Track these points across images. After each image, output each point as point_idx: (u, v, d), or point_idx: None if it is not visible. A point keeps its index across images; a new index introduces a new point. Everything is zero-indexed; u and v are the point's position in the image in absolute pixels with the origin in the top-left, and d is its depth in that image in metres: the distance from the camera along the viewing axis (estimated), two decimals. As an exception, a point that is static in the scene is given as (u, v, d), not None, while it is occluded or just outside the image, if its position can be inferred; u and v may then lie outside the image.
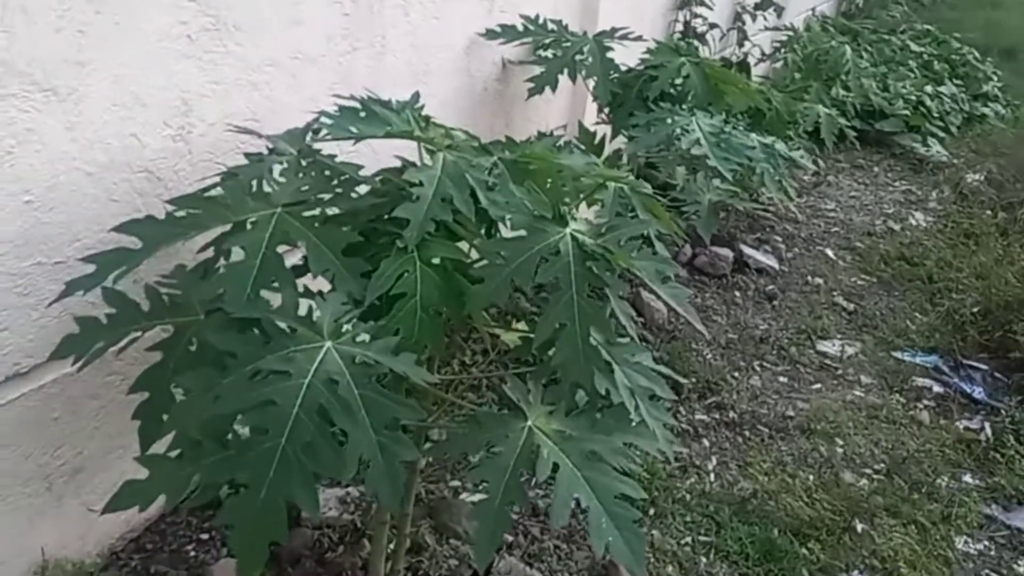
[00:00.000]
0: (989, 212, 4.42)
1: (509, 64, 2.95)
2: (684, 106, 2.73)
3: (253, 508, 1.18)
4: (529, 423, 1.45)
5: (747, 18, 4.97)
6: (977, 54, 7.24)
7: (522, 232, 1.48)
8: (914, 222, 4.50)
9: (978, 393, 3.03)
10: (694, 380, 2.94)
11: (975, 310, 3.40)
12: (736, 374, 3.04)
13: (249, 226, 1.40)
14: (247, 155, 1.71)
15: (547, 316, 1.43)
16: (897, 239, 4.19)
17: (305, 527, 2.08)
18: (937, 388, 3.07)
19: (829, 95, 5.18)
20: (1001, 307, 3.29)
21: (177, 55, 1.82)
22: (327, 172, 1.64)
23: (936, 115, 5.93)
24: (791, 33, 5.43)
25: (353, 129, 1.48)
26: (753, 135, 2.78)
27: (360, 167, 1.67)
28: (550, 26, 2.82)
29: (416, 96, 2.02)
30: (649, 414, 1.58)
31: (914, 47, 7.15)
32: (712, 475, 2.51)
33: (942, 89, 6.38)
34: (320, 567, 1.98)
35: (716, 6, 4.65)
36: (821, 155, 4.99)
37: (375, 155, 2.37)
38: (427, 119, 1.92)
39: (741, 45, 4.99)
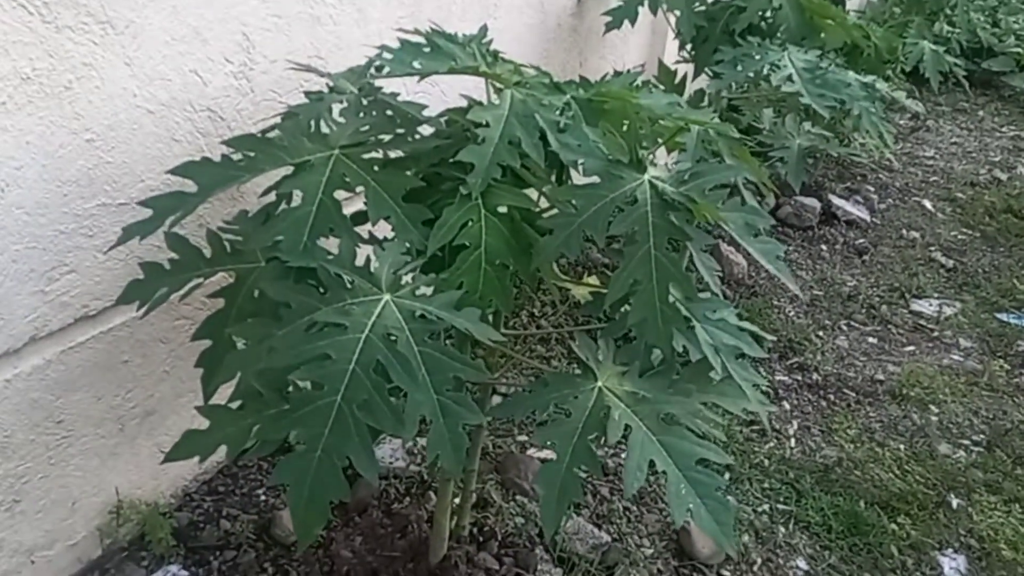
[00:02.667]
0: (1110, 161, 4.04)
1: (586, -1, 2.77)
2: (775, 41, 2.52)
3: (308, 468, 1.11)
4: (600, 384, 1.35)
5: (845, -52, 4.60)
6: (1101, -14, 6.61)
7: (595, 178, 1.36)
8: (1022, 171, 4.15)
9: (1092, 360, 2.78)
10: (775, 339, 2.78)
11: (1092, 269, 3.13)
12: (821, 333, 2.86)
13: (306, 169, 1.32)
14: (307, 94, 1.63)
15: (622, 271, 1.31)
16: (1004, 190, 3.87)
17: (371, 477, 2.05)
18: (1046, 354, 2.83)
19: (931, 31, 4.80)
20: (1123, 266, 3.00)
21: (237, -14, 1.73)
22: (389, 112, 1.55)
23: (1052, 54, 5.45)
24: (893, -36, 5.02)
25: (416, 64, 1.37)
26: (851, 73, 2.55)
27: (424, 106, 1.57)
28: (630, -45, 2.63)
29: (484, 29, 1.88)
30: (736, 373, 1.46)
31: (1030, -21, 6.57)
32: (793, 440, 2.37)
33: (1060, 25, 5.85)
34: (387, 517, 1.95)
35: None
36: (920, 97, 4.65)
37: (443, 95, 2.27)
38: (495, 54, 1.79)
39: (837, -23, 4.63)
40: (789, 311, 2.97)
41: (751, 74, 2.32)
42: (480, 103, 1.48)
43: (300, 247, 1.25)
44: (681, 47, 2.66)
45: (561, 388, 1.35)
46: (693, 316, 1.50)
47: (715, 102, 2.69)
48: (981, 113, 4.88)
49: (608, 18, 2.53)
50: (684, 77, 2.82)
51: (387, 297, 1.19)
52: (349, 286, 1.19)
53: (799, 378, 2.64)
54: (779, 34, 2.50)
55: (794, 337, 2.80)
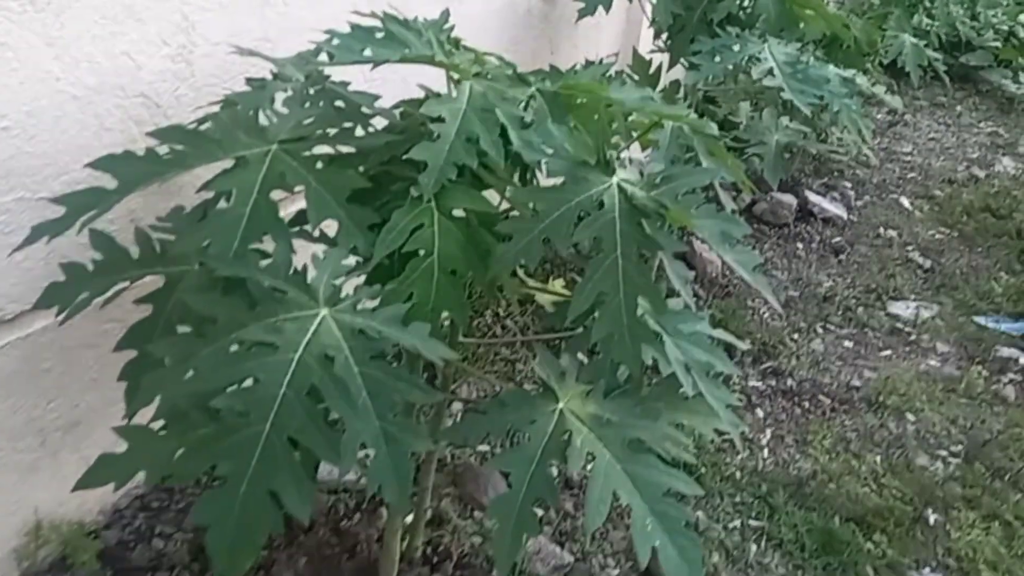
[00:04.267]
0: (1087, 160, 4.01)
1: (559, -17, 2.65)
2: (754, 31, 2.41)
3: (231, 505, 0.99)
4: (561, 405, 1.24)
5: (826, -62, 4.50)
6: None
7: (559, 180, 1.24)
8: (1001, 168, 4.11)
9: (1070, 366, 2.72)
10: (749, 342, 2.69)
11: (1070, 272, 3.07)
12: (796, 336, 2.78)
13: (240, 165, 1.19)
14: (249, 80, 1.49)
15: (586, 282, 1.20)
16: (982, 188, 3.82)
17: (320, 491, 1.93)
18: (1024, 359, 2.77)
19: (910, 23, 4.73)
20: (1101, 270, 2.95)
21: (176, -37, 1.59)
22: (338, 103, 1.42)
23: (1029, 49, 5.41)
24: (874, -46, 4.93)
25: (366, 52, 1.24)
26: (830, 67, 2.45)
27: (377, 97, 1.44)
28: (605, -62, 2.50)
29: (445, 15, 1.76)
30: (708, 392, 1.36)
31: (1008, -28, 6.53)
32: (766, 451, 2.28)
33: (1037, 20, 5.82)
34: (335, 536, 1.83)
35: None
36: (899, 91, 4.58)
37: (403, 83, 2.13)
38: (456, 42, 1.67)
39: (817, -32, 4.53)
40: (764, 312, 2.88)
41: (730, 66, 2.22)
42: (438, 95, 1.35)
43: (230, 253, 1.12)
44: (656, 36, 2.54)
45: (519, 410, 1.23)
46: (663, 329, 1.39)
47: (691, 95, 2.59)
48: (959, 108, 4.83)
49: (580, 5, 2.41)
50: (659, 67, 2.71)
51: (325, 312, 1.06)
52: (282, 299, 1.06)
53: (773, 384, 2.55)
54: (758, 24, 2.40)
55: (768, 340, 2.71)
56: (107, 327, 1.68)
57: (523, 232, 1.19)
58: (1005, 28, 5.29)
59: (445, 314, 1.22)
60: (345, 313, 1.07)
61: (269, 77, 1.46)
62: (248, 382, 1.01)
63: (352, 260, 1.20)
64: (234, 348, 1.02)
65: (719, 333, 1.74)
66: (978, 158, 4.20)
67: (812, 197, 3.48)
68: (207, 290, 1.11)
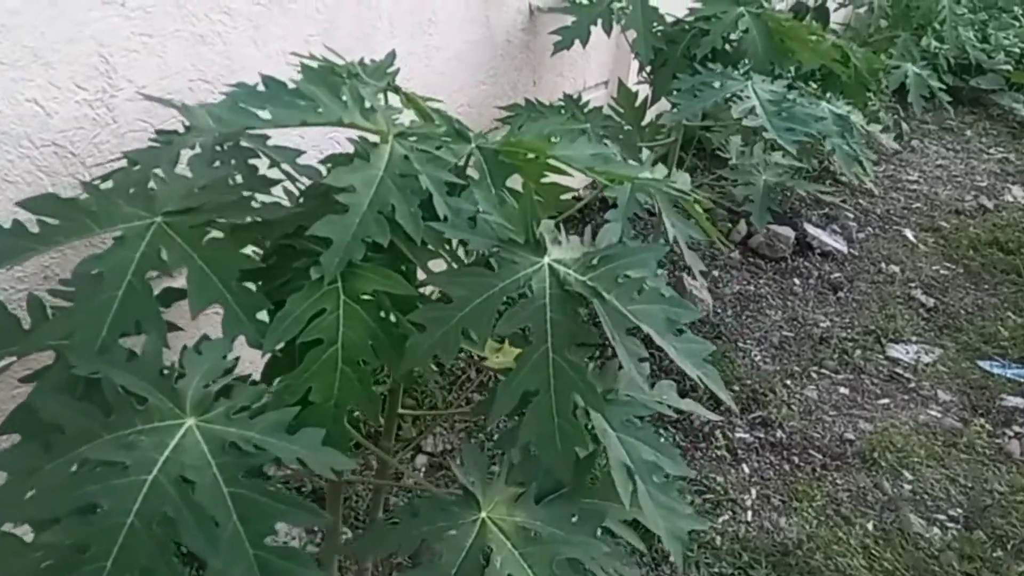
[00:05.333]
0: (1103, 190, 3.81)
1: (537, 12, 2.50)
2: (741, 67, 2.26)
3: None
4: (483, 514, 1.10)
5: (830, -44, 4.34)
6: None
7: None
8: (1011, 198, 3.92)
9: (1081, 420, 2.54)
10: (737, 388, 2.53)
11: (1082, 315, 2.89)
12: (789, 382, 2.61)
13: (118, 242, 1.05)
14: (157, 133, 1.36)
15: (511, 379, 1.05)
16: (990, 220, 3.63)
17: None
18: (1031, 410, 2.59)
19: (919, 46, 4.56)
20: (1116, 315, 2.77)
21: (91, 0, 1.46)
22: (252, 160, 1.28)
23: (1044, 70, 5.21)
24: (880, -26, 4.76)
25: (264, 114, 1.10)
26: (823, 103, 2.30)
27: (299, 153, 1.30)
28: (583, -34, 2.37)
29: (391, 57, 1.63)
30: (653, 499, 1.20)
31: (1022, -10, 6.33)
32: (750, 512, 2.12)
33: (1052, 40, 5.62)
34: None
35: (795, -58, 4.06)
36: (906, 115, 4.41)
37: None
38: (397, 89, 1.53)
39: (821, -13, 4.37)
40: (755, 355, 2.72)
41: (712, 104, 2.06)
42: (354, 157, 1.21)
43: (95, 346, 0.99)
44: (641, 69, 2.40)
45: (435, 519, 1.09)
46: (609, 424, 1.24)
47: (675, 131, 2.44)
48: (968, 133, 4.64)
49: (557, 37, 2.27)
50: (646, 99, 2.57)
51: (191, 422, 0.92)
52: (141, 406, 0.92)
53: (761, 435, 2.39)
54: (745, 59, 2.25)
55: (759, 387, 2.55)
56: (17, 393, 1.55)
57: (438, 322, 1.05)
58: (1017, 51, 5.09)
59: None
60: (215, 422, 0.93)
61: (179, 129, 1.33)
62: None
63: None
64: (78, 467, 0.88)
65: (688, 404, 1.60)
66: (987, 187, 4.01)
67: (811, 229, 3.31)
68: (65, 390, 0.97)
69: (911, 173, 4.06)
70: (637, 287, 1.13)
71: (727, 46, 2.29)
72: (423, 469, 2.15)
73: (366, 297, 1.08)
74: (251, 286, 1.11)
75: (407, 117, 1.46)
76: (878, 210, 3.67)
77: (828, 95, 2.89)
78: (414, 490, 1.82)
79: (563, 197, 1.51)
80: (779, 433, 2.40)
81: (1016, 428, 2.52)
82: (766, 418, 2.44)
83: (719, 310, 2.90)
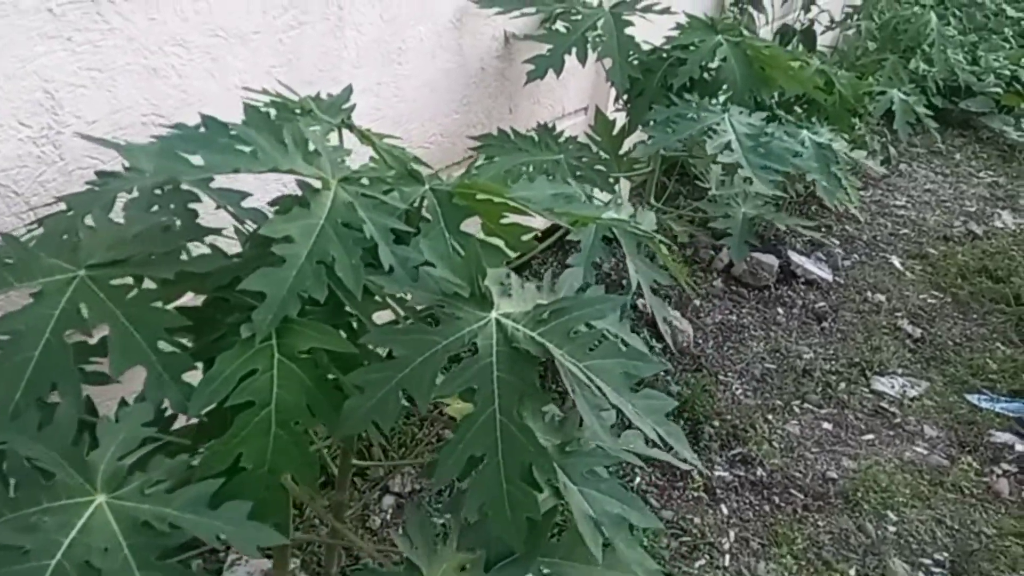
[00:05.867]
0: (1092, 216, 3.77)
1: (513, 39, 2.46)
2: (720, 96, 2.21)
3: None
4: (427, 588, 1.03)
5: (816, -21, 4.33)
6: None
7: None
8: (1000, 224, 3.88)
9: (1071, 457, 2.48)
10: (717, 424, 2.47)
11: (1071, 347, 2.84)
12: (770, 417, 2.55)
13: (37, 298, 0.99)
14: (98, 175, 1.30)
15: (456, 442, 0.99)
16: (979, 246, 3.59)
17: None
18: (1020, 447, 2.53)
19: (907, 69, 4.53)
20: (1105, 347, 2.71)
21: (35, 35, 1.40)
22: (192, 205, 1.23)
23: (1033, 92, 5.19)
24: (867, -2, 4.75)
25: (197, 160, 1.04)
26: (804, 132, 2.25)
27: (244, 195, 1.25)
28: (559, -6, 2.32)
29: (347, 92, 1.58)
30: (621, 552, 1.14)
31: (1011, 12, 6.32)
32: (728, 557, 2.06)
33: (1041, 62, 5.60)
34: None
35: (780, -35, 4.03)
36: (893, 139, 4.37)
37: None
38: (350, 126, 1.48)
39: (807, 10, 4.35)
40: (736, 388, 2.66)
41: (687, 137, 2.01)
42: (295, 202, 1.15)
43: (8, 412, 0.92)
44: (617, 98, 2.35)
45: (374, 593, 1.02)
46: (569, 477, 1.18)
47: (654, 159, 2.39)
48: (958, 156, 4.61)
49: (530, 66, 2.22)
50: (624, 127, 2.52)
51: (101, 499, 0.86)
52: (47, 482, 0.86)
53: (741, 474, 2.33)
54: (724, 89, 2.20)
55: (739, 423, 2.49)
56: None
57: (377, 384, 0.99)
58: (1007, 73, 5.07)
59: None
60: (128, 499, 0.86)
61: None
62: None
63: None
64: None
65: (657, 452, 1.54)
66: (976, 212, 3.97)
67: (795, 257, 3.26)
68: (-28, 462, 0.91)
69: (899, 198, 4.02)
70: (592, 340, 1.07)
71: (706, 75, 2.24)
72: (390, 511, 2.09)
73: (303, 355, 1.02)
74: (184, 341, 1.05)
75: (363, 156, 1.41)
76: (864, 237, 3.62)
77: (813, 120, 2.86)
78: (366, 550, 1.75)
79: (525, 237, 1.46)
80: (759, 471, 2.33)
81: (1004, 466, 2.46)
82: (746, 455, 2.38)
83: (700, 340, 2.84)
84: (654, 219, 1.66)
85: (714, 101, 2.16)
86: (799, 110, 3.00)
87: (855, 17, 4.79)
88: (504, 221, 1.37)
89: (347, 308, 1.10)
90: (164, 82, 1.64)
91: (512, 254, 1.26)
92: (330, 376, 1.04)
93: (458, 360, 1.01)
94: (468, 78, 2.39)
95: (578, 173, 2.17)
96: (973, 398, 2.73)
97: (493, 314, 1.04)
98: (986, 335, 3.05)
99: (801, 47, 4.48)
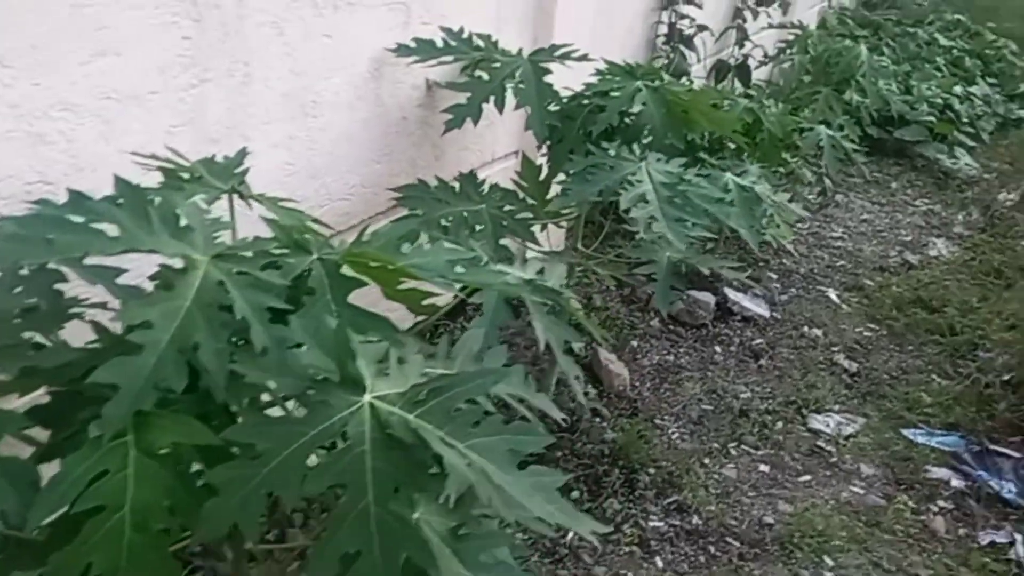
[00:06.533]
0: None
1: (435, 87, 2.43)
2: (642, 142, 2.20)
3: None
4: None
5: (748, 15, 4.39)
6: (1014, 47, 6.58)
7: (294, 405, 0.99)
8: (935, 252, 3.93)
9: (1008, 491, 2.48)
10: (653, 472, 2.42)
11: (1006, 378, 2.85)
12: (707, 461, 2.52)
13: None
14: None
15: (328, 539, 0.93)
16: (914, 276, 3.62)
17: None
18: (956, 482, 2.52)
19: (841, 101, 4.61)
20: (1037, 378, 2.74)
21: (-98, 105, 1.33)
22: (59, 285, 1.16)
23: (966, 120, 5.31)
24: (798, 31, 4.83)
25: (51, 238, 0.98)
26: (728, 176, 2.24)
27: (119, 272, 1.18)
28: (476, 41, 2.30)
29: (240, 155, 1.52)
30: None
31: (943, 41, 6.51)
32: (662, 613, 2.01)
33: (973, 89, 5.75)
34: None
35: (712, 2, 4.09)
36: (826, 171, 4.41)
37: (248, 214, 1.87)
38: (240, 193, 1.42)
39: (741, 46, 4.42)
40: (673, 432, 2.63)
41: (605, 187, 1.98)
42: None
43: None
44: (539, 145, 2.33)
45: None
46: (464, 564, 1.12)
47: (581, 206, 2.36)
48: (894, 185, 4.68)
49: (452, 114, 2.18)
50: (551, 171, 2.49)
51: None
52: None
53: (677, 523, 2.28)
54: (645, 134, 2.19)
55: (675, 468, 2.45)
56: None
57: (237, 483, 0.92)
58: (940, 101, 5.19)
59: None
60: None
61: None
62: None
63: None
64: None
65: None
66: (911, 241, 4.02)
67: (732, 294, 3.26)
68: None
69: (835, 229, 4.06)
70: (475, 418, 1.03)
71: (628, 119, 2.23)
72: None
73: (165, 450, 0.96)
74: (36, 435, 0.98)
75: (251, 223, 1.35)
76: (802, 270, 3.64)
77: (744, 158, 2.87)
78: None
79: (427, 301, 1.41)
80: (695, 519, 2.29)
81: (940, 503, 2.46)
82: (682, 503, 2.34)
83: (637, 383, 2.81)
84: (564, 272, 1.62)
85: (636, 146, 2.14)
86: (731, 147, 3.01)
87: (788, 51, 4.87)
88: (403, 286, 1.33)
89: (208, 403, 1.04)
90: (51, 148, 1.57)
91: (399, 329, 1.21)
92: (195, 472, 0.98)
93: (329, 450, 0.95)
94: (389, 127, 2.35)
95: (501, 223, 2.13)
96: (909, 433, 2.73)
97: (366, 398, 0.99)
98: (921, 367, 3.06)
99: (736, 82, 4.55)
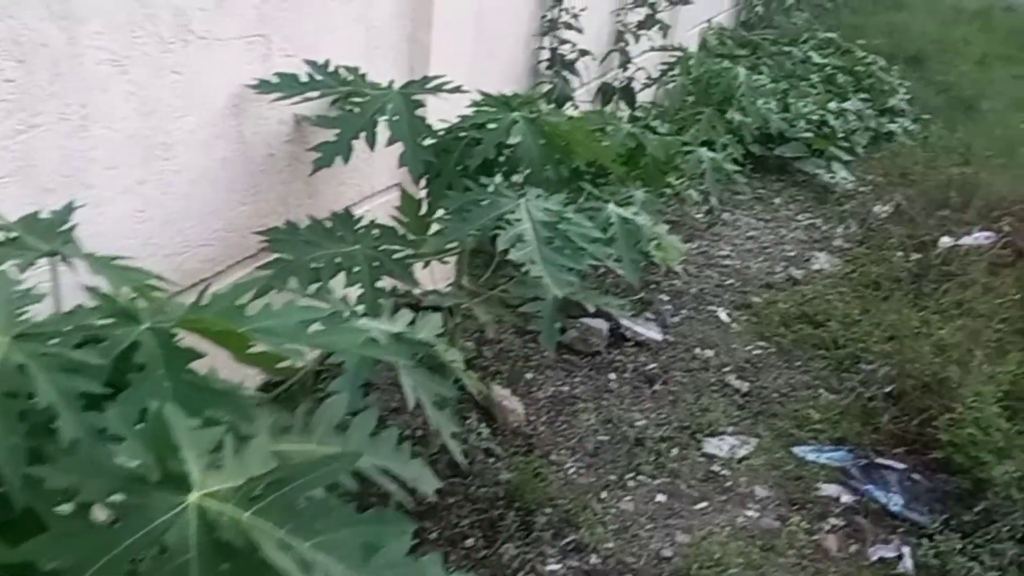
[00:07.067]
0: (900, 254, 3.98)
1: (305, 121, 2.31)
2: (520, 175, 2.14)
3: None
4: None
5: (629, 38, 4.44)
6: (883, 63, 6.92)
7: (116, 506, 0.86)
8: (817, 266, 4.03)
9: (895, 504, 2.53)
10: (550, 511, 2.36)
11: (888, 389, 2.93)
12: (604, 495, 2.47)
13: None
14: None
15: (146, 667, 0.81)
16: (799, 292, 3.70)
17: None
18: (846, 498, 2.56)
19: (724, 120, 4.72)
20: (918, 388, 2.81)
21: None
22: None
23: (841, 135, 5.52)
24: (679, 54, 4.93)
25: None
26: (610, 208, 2.21)
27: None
28: (343, 75, 2.19)
29: (67, 210, 1.37)
30: None
31: (817, 58, 6.78)
32: (560, 663, 1.93)
33: (847, 105, 5.99)
34: None
35: (594, 26, 4.11)
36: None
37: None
38: (60, 255, 1.28)
39: (624, 68, 4.46)
40: (569, 467, 2.57)
41: (483, 226, 1.91)
42: None
43: None
44: (416, 181, 2.23)
45: None
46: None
47: (463, 241, 2.28)
48: (777, 201, 4.81)
49: (322, 152, 2.07)
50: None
51: None
52: None
53: (575, 564, 2.22)
54: (523, 167, 2.13)
55: (572, 506, 2.39)
56: None
57: (31, 610, 0.79)
58: (816, 118, 5.38)
59: None
60: None
61: None
62: None
63: None
64: None
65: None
66: (795, 256, 4.13)
67: (624, 320, 3.25)
68: None
69: (723, 248, 4.13)
70: (322, 511, 0.92)
71: (506, 151, 2.16)
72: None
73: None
74: None
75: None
76: (692, 290, 3.67)
77: (627, 185, 2.86)
78: None
79: (283, 364, 1.30)
80: (593, 559, 2.24)
81: (832, 520, 2.48)
82: (579, 542, 2.28)
83: (532, 418, 2.75)
84: (438, 322, 1.54)
85: (516, 178, 2.08)
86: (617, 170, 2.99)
87: (670, 73, 4.96)
88: (254, 349, 1.21)
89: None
90: None
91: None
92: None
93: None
94: (254, 166, 2.22)
95: (375, 264, 2.03)
96: (800, 451, 2.76)
97: (192, 497, 0.87)
98: (809, 382, 3.12)
99: (622, 104, 4.59)
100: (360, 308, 1.62)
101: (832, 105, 5.74)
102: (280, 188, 2.34)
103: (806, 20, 8.09)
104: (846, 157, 5.34)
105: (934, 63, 7.59)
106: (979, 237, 3.93)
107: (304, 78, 2.13)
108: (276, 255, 1.99)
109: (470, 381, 1.52)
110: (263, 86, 2.08)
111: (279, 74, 2.11)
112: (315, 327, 1.15)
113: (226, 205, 2.15)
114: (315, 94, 2.14)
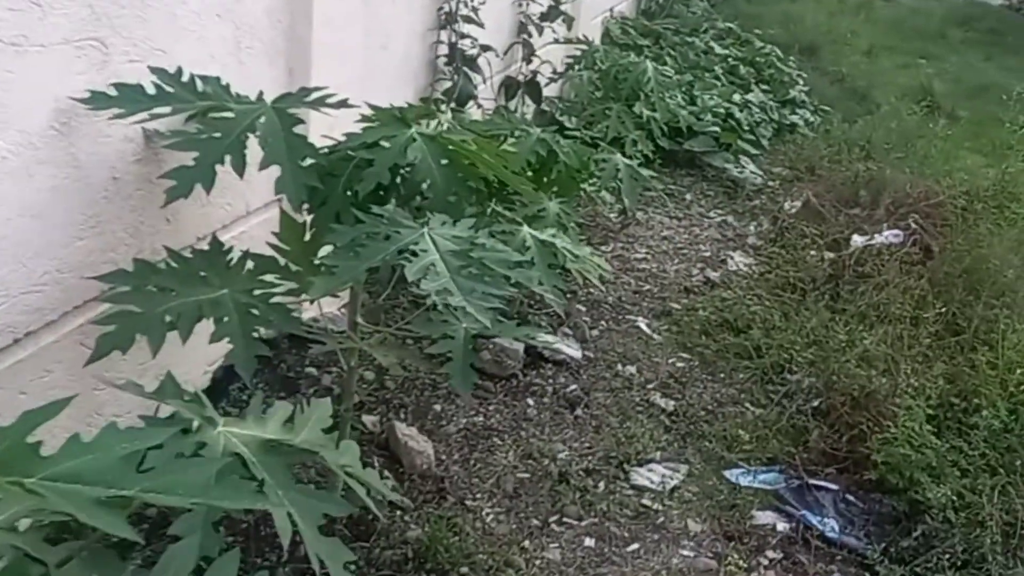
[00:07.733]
0: (813, 253, 3.88)
1: (157, 137, 1.95)
2: (422, 201, 1.85)
3: None
4: None
5: (533, 30, 4.19)
6: (780, 53, 6.91)
7: None
8: (733, 267, 3.90)
9: (830, 529, 2.38)
10: (466, 570, 2.10)
11: (815, 404, 2.79)
12: (527, 544, 2.23)
13: None
14: None
15: None
16: (717, 296, 3.55)
17: None
18: (782, 526, 2.40)
19: (632, 115, 4.53)
20: (846, 404, 2.67)
21: None
22: None
23: (746, 128, 5.43)
24: (584, 47, 4.71)
25: None
26: (524, 231, 1.95)
27: None
28: (201, 86, 1.84)
29: None
30: None
31: (718, 49, 6.71)
32: None
33: (750, 97, 5.92)
34: None
35: (495, 17, 3.83)
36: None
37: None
38: None
39: (528, 62, 4.21)
40: (487, 514, 2.31)
41: (381, 261, 1.61)
42: None
43: None
44: (297, 209, 1.89)
45: None
46: None
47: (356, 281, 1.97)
48: (688, 196, 4.67)
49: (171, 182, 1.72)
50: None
51: None
52: None
53: (498, 633, 1.97)
54: (424, 191, 1.84)
55: (492, 561, 2.13)
56: None
57: None
58: (722, 111, 5.27)
59: None
60: None
61: None
62: None
63: None
64: None
65: None
66: (711, 256, 3.98)
67: (542, 337, 3.00)
68: None
69: (639, 250, 3.94)
70: None
71: (402, 174, 1.87)
72: None
73: None
74: None
75: None
76: (610, 299, 3.46)
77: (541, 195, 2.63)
78: None
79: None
80: (518, 624, 1.99)
81: (770, 553, 2.32)
82: (503, 606, 2.03)
83: (443, 457, 2.48)
84: (327, 411, 1.24)
85: (411, 207, 1.79)
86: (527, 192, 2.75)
87: (576, 67, 4.74)
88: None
89: None
90: None
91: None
92: None
93: None
94: (94, 193, 1.85)
95: (251, 311, 1.71)
96: (731, 475, 2.59)
97: None
98: (735, 396, 2.96)
99: (527, 99, 4.34)
100: (213, 413, 1.27)
101: (736, 97, 5.65)
102: (129, 216, 1.97)
103: (705, 10, 8.03)
104: (753, 151, 5.25)
105: (827, 53, 7.67)
106: (889, 236, 3.86)
107: (151, 90, 1.78)
108: (119, 306, 1.64)
109: (373, 481, 1.22)
110: (96, 100, 1.72)
111: (118, 85, 1.75)
112: (150, 460, 0.85)
113: (58, 242, 1.77)
114: (165, 109, 1.78)
